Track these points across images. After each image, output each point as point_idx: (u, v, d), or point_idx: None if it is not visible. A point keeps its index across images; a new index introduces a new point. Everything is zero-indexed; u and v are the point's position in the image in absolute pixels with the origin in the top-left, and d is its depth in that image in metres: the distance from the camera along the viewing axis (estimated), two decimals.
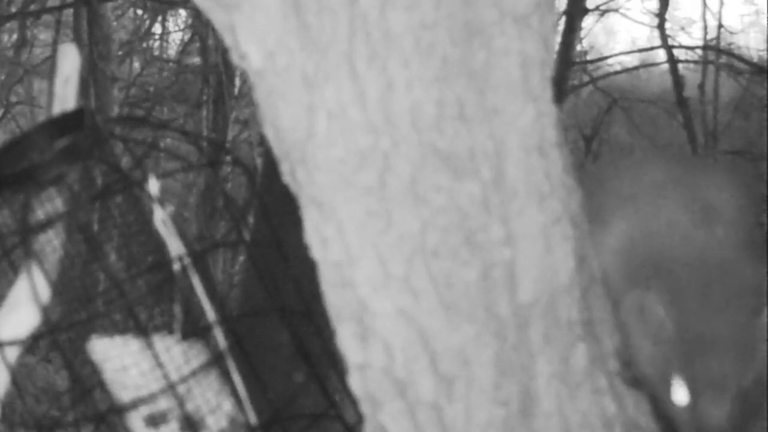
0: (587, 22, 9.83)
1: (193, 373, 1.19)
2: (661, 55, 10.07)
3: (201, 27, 9.36)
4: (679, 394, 1.13)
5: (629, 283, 1.16)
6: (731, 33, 10.36)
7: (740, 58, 9.77)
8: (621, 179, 1.28)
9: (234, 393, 1.22)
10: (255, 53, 1.01)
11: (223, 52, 7.21)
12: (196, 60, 10.88)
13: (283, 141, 1.04)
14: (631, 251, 1.19)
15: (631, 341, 1.16)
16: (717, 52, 9.79)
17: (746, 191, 1.27)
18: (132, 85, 10.62)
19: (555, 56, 1.09)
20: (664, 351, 1.14)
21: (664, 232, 1.20)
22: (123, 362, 1.19)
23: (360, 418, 1.09)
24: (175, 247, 1.21)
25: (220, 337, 1.21)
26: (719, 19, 9.84)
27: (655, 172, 1.27)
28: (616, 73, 10.40)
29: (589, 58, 10.63)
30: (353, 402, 1.09)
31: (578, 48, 9.60)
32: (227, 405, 1.21)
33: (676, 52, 9.51)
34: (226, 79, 9.48)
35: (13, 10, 8.85)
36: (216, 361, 1.21)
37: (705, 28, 9.90)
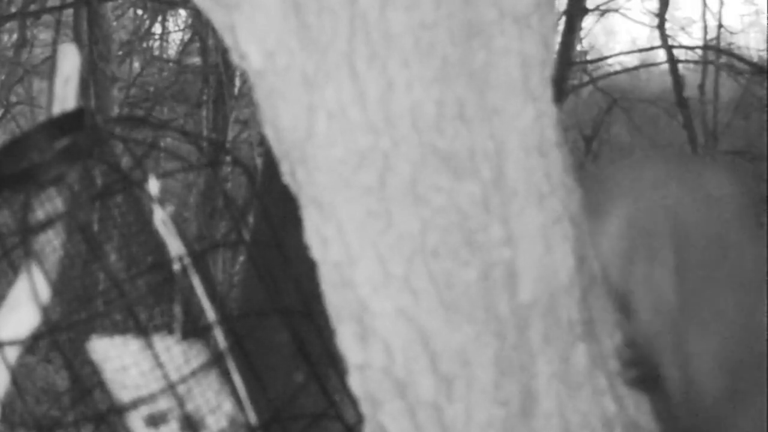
0: (587, 22, 9.83)
1: (193, 373, 1.18)
2: (661, 55, 10.07)
3: (201, 27, 9.36)
4: (674, 370, 1.14)
5: (636, 258, 1.17)
6: (731, 33, 10.37)
7: (740, 58, 9.77)
8: (621, 175, 1.29)
9: (234, 393, 1.22)
10: (255, 53, 1.01)
11: (223, 52, 7.21)
12: (196, 60, 10.88)
13: (283, 141, 1.04)
14: (634, 233, 1.19)
15: (633, 312, 1.17)
16: (717, 52, 9.79)
17: (746, 188, 1.28)
18: (132, 85, 10.62)
19: (555, 56, 1.09)
20: (665, 322, 1.14)
21: (667, 215, 1.21)
22: (123, 362, 1.19)
23: (360, 418, 1.09)
24: (175, 247, 1.21)
25: (220, 337, 1.21)
26: (719, 19, 9.85)
27: (655, 168, 1.28)
28: (616, 73, 10.40)
29: (589, 58, 10.63)
30: (353, 402, 1.09)
31: (578, 48, 9.61)
32: (227, 405, 1.21)
33: (676, 52, 9.51)
34: (226, 79, 9.48)
35: (13, 10, 8.85)
36: (216, 361, 1.21)
37: (705, 28, 9.91)
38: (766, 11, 9.67)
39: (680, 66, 9.42)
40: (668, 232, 1.18)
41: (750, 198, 1.28)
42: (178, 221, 1.23)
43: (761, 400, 1.21)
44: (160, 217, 1.21)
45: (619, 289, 1.17)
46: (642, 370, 1.15)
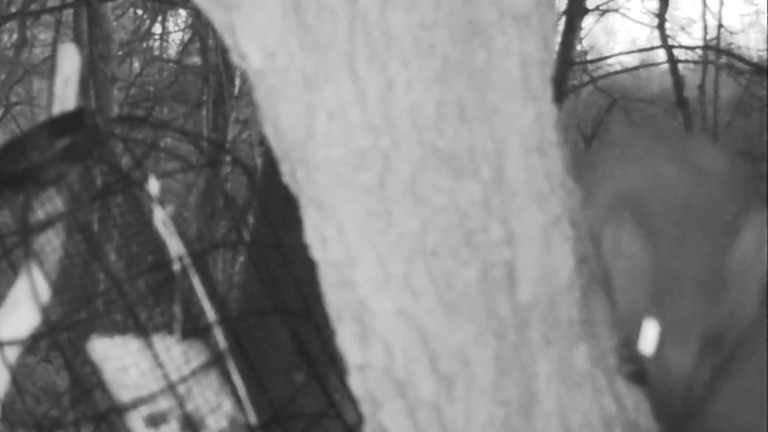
0: (587, 22, 9.83)
1: (193, 373, 1.19)
2: (661, 55, 10.07)
3: (201, 27, 9.36)
4: (648, 337, 1.14)
5: (606, 221, 1.17)
6: (731, 33, 10.36)
7: (740, 58, 9.77)
8: (611, 152, 1.31)
9: (234, 393, 1.22)
10: (255, 53, 1.01)
11: (223, 52, 7.21)
12: (196, 60, 10.88)
13: (283, 141, 1.04)
14: (617, 203, 1.20)
15: (611, 282, 1.17)
16: (717, 52, 9.79)
17: (737, 164, 1.29)
18: (132, 85, 10.62)
19: (555, 56, 1.09)
20: (639, 288, 1.15)
21: (645, 176, 1.21)
22: (123, 362, 1.19)
23: (360, 418, 1.09)
24: (175, 247, 1.21)
25: (220, 337, 1.21)
26: (719, 19, 9.84)
27: (644, 142, 1.29)
28: (616, 73, 10.40)
29: (589, 58, 10.63)
30: (353, 402, 1.09)
31: (578, 48, 9.60)
32: (227, 405, 1.21)
33: (676, 52, 9.51)
34: (226, 79, 9.48)
35: (13, 10, 8.85)
36: (216, 361, 1.21)
37: (705, 28, 9.90)
38: (766, 11, 9.67)
39: (680, 66, 9.42)
40: (641, 196, 1.19)
41: (741, 172, 1.28)
42: (178, 221, 1.23)
43: (739, 380, 1.21)
44: (160, 217, 1.21)
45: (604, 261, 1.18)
46: (639, 365, 1.16)
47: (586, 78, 10.11)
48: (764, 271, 1.17)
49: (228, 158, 1.51)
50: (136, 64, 11.22)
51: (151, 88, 10.85)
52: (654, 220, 1.16)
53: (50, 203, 1.20)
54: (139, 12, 11.05)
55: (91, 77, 8.21)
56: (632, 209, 1.16)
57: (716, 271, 1.14)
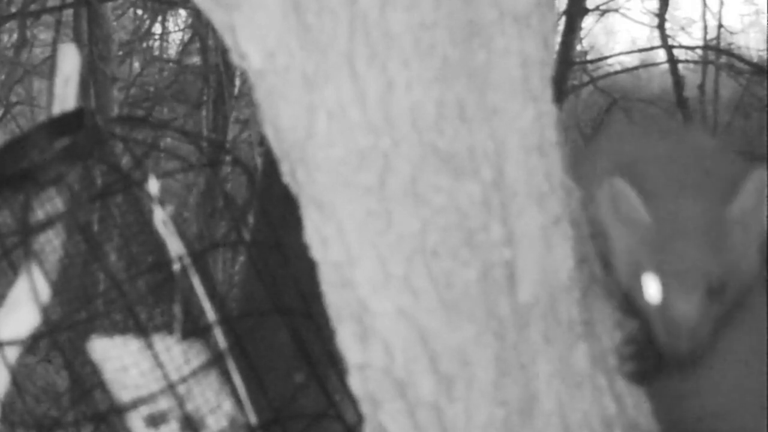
0: (587, 22, 9.82)
1: (193, 373, 1.19)
2: (661, 55, 10.05)
3: (201, 27, 9.35)
4: (651, 290, 1.14)
5: (602, 186, 1.18)
6: (731, 33, 10.35)
7: (740, 58, 9.76)
8: (608, 137, 1.32)
9: (234, 393, 1.22)
10: (255, 53, 1.01)
11: (223, 52, 7.20)
12: (196, 60, 10.87)
13: (283, 141, 1.04)
14: (610, 166, 1.20)
15: (609, 241, 1.17)
16: (717, 52, 9.78)
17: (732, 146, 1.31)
18: (132, 85, 10.62)
19: (555, 56, 1.09)
20: (638, 240, 1.15)
21: (641, 149, 1.23)
22: (123, 362, 1.19)
23: (360, 418, 1.09)
24: (175, 247, 1.21)
25: (220, 337, 1.21)
26: (719, 19, 9.83)
27: (644, 125, 1.31)
28: (616, 73, 10.38)
29: (589, 58, 10.62)
30: (353, 402, 1.09)
31: (578, 48, 9.60)
32: (227, 405, 1.21)
33: (676, 52, 9.50)
34: (226, 79, 9.47)
35: (13, 10, 8.84)
36: (216, 361, 1.21)
37: (705, 28, 9.89)
38: (766, 11, 9.66)
39: (680, 66, 9.41)
40: (636, 156, 1.20)
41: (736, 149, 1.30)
42: (178, 221, 1.23)
43: (741, 324, 1.22)
44: (160, 217, 1.21)
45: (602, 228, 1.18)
46: (640, 364, 1.16)
47: (586, 78, 10.10)
48: (764, 227, 1.17)
49: (228, 158, 1.51)
50: (136, 64, 11.21)
51: (151, 88, 10.84)
52: (651, 182, 1.17)
53: (50, 203, 1.20)
54: (139, 12, 11.05)
55: (91, 77, 8.21)
56: (629, 174, 1.17)
57: (716, 221, 1.15)
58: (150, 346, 1.18)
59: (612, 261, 1.19)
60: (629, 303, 1.18)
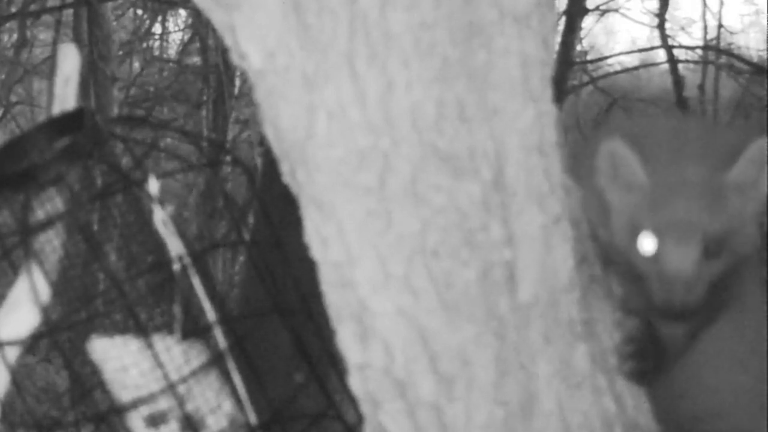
0: (587, 22, 9.81)
1: (193, 373, 1.19)
2: (661, 55, 10.05)
3: (201, 27, 9.36)
4: (646, 244, 1.15)
5: (602, 153, 1.19)
6: (731, 33, 10.35)
7: (740, 58, 9.75)
8: (605, 125, 1.34)
9: (234, 393, 1.22)
10: (255, 53, 1.01)
11: (223, 52, 7.20)
12: (196, 60, 10.87)
13: (283, 141, 1.04)
14: (609, 136, 1.22)
15: (606, 202, 1.18)
16: (717, 52, 9.78)
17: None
18: (132, 85, 10.62)
19: (555, 56, 1.09)
20: (636, 201, 1.16)
21: (644, 119, 1.25)
22: (123, 362, 1.19)
23: (360, 418, 1.09)
24: (175, 247, 1.21)
25: (220, 337, 1.21)
26: (719, 19, 9.83)
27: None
28: (616, 73, 10.38)
29: (589, 58, 10.61)
30: (353, 402, 1.09)
31: (578, 48, 9.59)
32: (227, 405, 1.21)
33: (676, 52, 9.50)
34: (226, 79, 9.47)
35: (13, 10, 8.84)
36: (216, 361, 1.21)
37: (705, 28, 9.89)
38: (766, 11, 9.66)
39: (680, 66, 9.40)
40: (635, 122, 1.20)
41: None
42: (178, 221, 1.23)
43: (738, 324, 1.22)
44: (160, 217, 1.21)
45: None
46: (640, 363, 1.16)
47: (586, 78, 10.09)
48: (764, 198, 1.18)
49: (228, 158, 1.51)
50: (136, 64, 11.21)
51: (151, 88, 10.85)
52: (651, 147, 1.18)
53: (50, 203, 1.20)
54: (139, 12, 11.04)
55: (91, 77, 8.21)
56: (630, 140, 1.17)
57: (714, 184, 1.15)
58: (150, 346, 1.18)
59: (610, 227, 1.19)
60: (626, 266, 1.18)
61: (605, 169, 1.18)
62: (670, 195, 1.15)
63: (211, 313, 1.21)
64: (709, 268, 1.15)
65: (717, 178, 1.15)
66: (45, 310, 1.21)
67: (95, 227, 1.26)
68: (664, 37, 9.28)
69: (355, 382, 1.07)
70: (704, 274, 1.15)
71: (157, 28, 11.47)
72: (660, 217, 1.15)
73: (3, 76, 10.09)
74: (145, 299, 1.23)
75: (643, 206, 1.16)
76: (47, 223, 1.20)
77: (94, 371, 1.21)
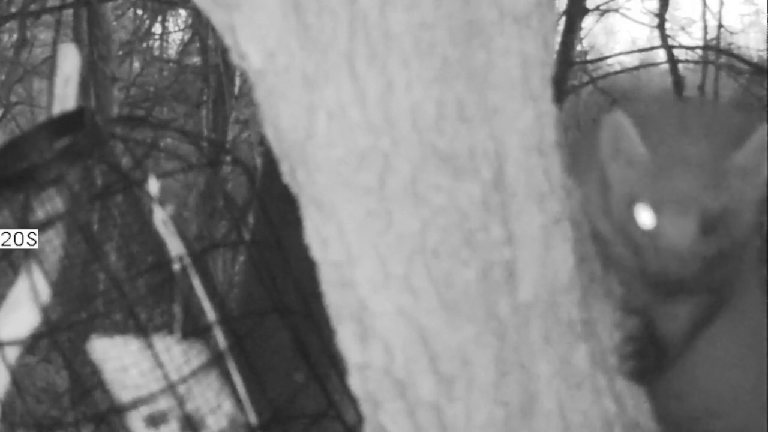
0: (587, 22, 9.82)
1: (193, 373, 1.19)
2: (661, 55, 10.05)
3: (201, 27, 9.36)
4: (644, 216, 1.15)
5: (604, 130, 1.19)
6: (731, 33, 10.36)
7: (740, 58, 9.75)
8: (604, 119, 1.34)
9: (234, 393, 1.22)
10: (255, 53, 1.01)
11: (223, 52, 7.20)
12: (196, 60, 10.87)
13: (283, 141, 1.04)
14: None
15: (608, 182, 1.18)
16: (717, 52, 9.78)
17: None
18: (132, 85, 10.62)
19: (555, 56, 1.09)
20: (635, 174, 1.16)
21: (648, 103, 1.24)
22: (123, 362, 1.19)
23: (360, 418, 1.09)
24: (175, 247, 1.21)
25: (220, 337, 1.21)
26: (719, 19, 9.83)
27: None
28: (616, 73, 10.38)
29: (589, 58, 10.62)
30: (353, 402, 1.09)
31: (578, 48, 9.59)
32: (227, 405, 1.21)
33: (676, 52, 9.50)
34: (226, 79, 9.47)
35: (13, 10, 8.84)
36: (216, 361, 1.21)
37: (705, 28, 9.89)
38: (766, 11, 9.66)
39: (680, 66, 9.41)
40: (639, 100, 1.20)
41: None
42: (178, 221, 1.23)
43: (738, 324, 1.22)
44: (160, 217, 1.21)
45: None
46: (640, 363, 1.16)
47: (586, 78, 10.09)
48: (764, 183, 1.18)
49: (228, 158, 1.51)
50: (136, 64, 11.21)
51: (151, 88, 10.85)
52: (655, 123, 1.18)
53: (50, 203, 1.21)
54: (139, 12, 11.04)
55: (91, 77, 8.21)
56: (633, 116, 1.17)
57: (715, 163, 1.15)
58: (150, 346, 1.18)
59: (609, 206, 1.19)
60: (624, 239, 1.18)
61: (607, 144, 1.18)
62: (670, 169, 1.15)
63: (211, 313, 1.21)
64: (705, 244, 1.15)
65: (720, 159, 1.15)
66: (45, 310, 1.21)
67: (95, 227, 1.26)
68: (664, 37, 9.28)
69: (355, 382, 1.07)
70: (700, 250, 1.15)
71: (157, 28, 11.48)
72: (659, 189, 1.15)
73: (3, 76, 10.09)
74: (145, 299, 1.23)
75: (642, 179, 1.16)
76: (47, 223, 1.20)
77: (94, 371, 1.21)
